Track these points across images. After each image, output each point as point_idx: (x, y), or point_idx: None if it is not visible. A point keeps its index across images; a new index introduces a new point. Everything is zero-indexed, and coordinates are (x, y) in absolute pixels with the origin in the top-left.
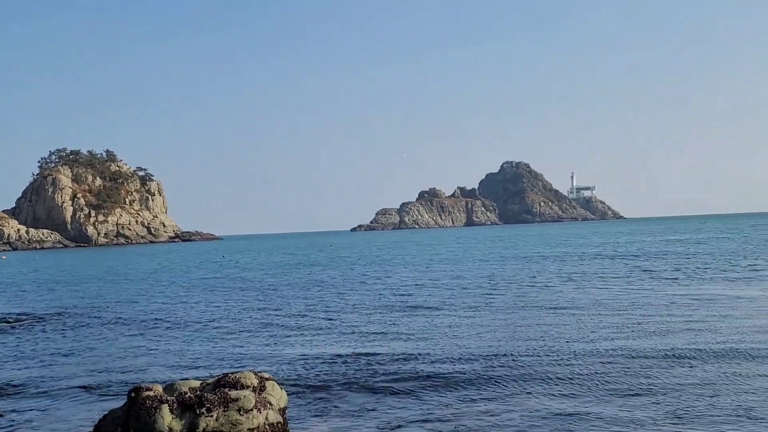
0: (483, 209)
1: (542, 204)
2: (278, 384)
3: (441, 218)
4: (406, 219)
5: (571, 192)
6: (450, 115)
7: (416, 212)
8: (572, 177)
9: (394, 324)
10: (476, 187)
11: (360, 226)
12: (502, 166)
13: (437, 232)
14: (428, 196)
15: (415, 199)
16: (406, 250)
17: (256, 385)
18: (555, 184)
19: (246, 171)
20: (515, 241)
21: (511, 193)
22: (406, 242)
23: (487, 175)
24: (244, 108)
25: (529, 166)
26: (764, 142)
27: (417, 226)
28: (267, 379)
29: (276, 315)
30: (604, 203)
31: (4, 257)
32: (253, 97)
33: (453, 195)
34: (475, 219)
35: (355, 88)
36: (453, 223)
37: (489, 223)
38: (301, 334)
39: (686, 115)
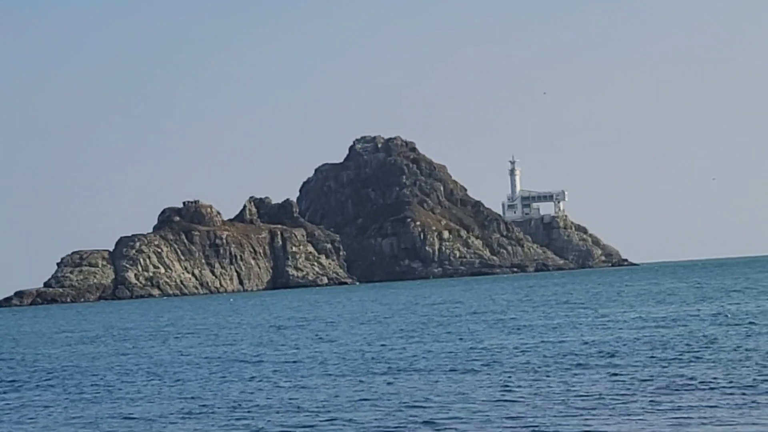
0: (311, 249)
1: (448, 236)
2: None
3: (215, 270)
4: (131, 274)
5: (512, 203)
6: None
7: (153, 257)
8: (513, 172)
9: None
10: (293, 200)
11: (20, 294)
12: (352, 149)
13: (191, 311)
14: (182, 222)
15: (152, 229)
16: None
17: None
18: (474, 189)
19: None
20: None
21: (374, 211)
22: None
23: (318, 171)
24: None
25: (415, 149)
26: None
27: (157, 291)
28: None
29: None
30: (584, 231)
31: None
32: None
33: (240, 217)
34: (291, 272)
35: None
36: (242, 282)
37: (325, 281)
38: None
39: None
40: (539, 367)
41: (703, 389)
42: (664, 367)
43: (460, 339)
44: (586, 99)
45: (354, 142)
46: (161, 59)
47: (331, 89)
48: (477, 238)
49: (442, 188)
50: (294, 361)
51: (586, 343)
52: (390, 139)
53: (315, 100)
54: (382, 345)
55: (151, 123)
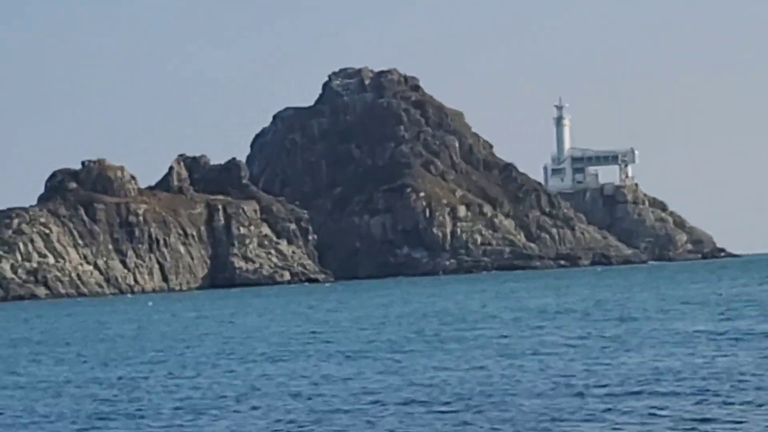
0: (267, 231)
1: (466, 213)
2: None
3: (127, 260)
4: (5, 265)
5: (559, 167)
6: None
7: (38, 241)
8: (560, 122)
9: None
10: (242, 160)
11: None
12: (327, 88)
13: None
14: (80, 191)
15: (36, 201)
16: None
17: None
18: (504, 147)
19: None
20: None
21: (358, 177)
22: None
23: (278, 118)
24: None
25: (418, 88)
26: None
27: (44, 290)
28: None
29: None
30: (663, 208)
31: None
32: None
33: (165, 184)
34: (238, 265)
35: None
36: (166, 278)
37: (287, 277)
38: None
39: None
40: None
41: None
42: None
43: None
44: (666, 22)
45: (330, 77)
46: None
47: (297, 3)
48: (507, 216)
49: (457, 145)
50: None
51: None
52: (382, 72)
53: (273, 16)
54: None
55: (36, 52)
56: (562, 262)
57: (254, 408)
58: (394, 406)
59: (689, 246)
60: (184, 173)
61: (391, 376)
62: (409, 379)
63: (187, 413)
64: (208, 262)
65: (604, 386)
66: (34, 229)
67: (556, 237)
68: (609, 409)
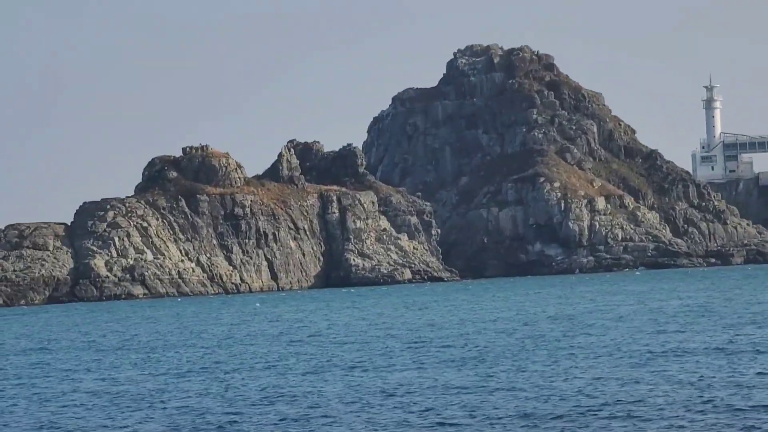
0: (386, 225)
1: (605, 206)
2: None
3: (232, 257)
4: (99, 261)
5: (709, 154)
6: None
7: (135, 236)
8: (710, 104)
9: None
10: (358, 146)
11: None
12: (452, 67)
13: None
14: (181, 180)
15: (133, 191)
16: None
17: None
18: (648, 132)
19: None
20: None
21: (486, 165)
22: None
23: (398, 100)
24: None
25: (552, 67)
26: None
27: (142, 289)
28: None
29: None
30: None
31: None
32: None
33: (274, 173)
34: (354, 261)
35: None
36: (275, 276)
37: (408, 275)
38: None
39: None
40: None
41: None
42: None
43: None
44: None
45: (455, 55)
46: None
47: None
48: (651, 209)
49: (595, 130)
50: None
51: None
52: (513, 50)
53: None
54: None
55: (132, 29)
56: (713, 259)
57: (357, 420)
58: (510, 418)
59: None
60: (295, 161)
61: (507, 385)
62: (526, 390)
63: (285, 426)
64: (321, 258)
65: (744, 399)
66: (131, 222)
67: (706, 232)
68: (750, 426)
